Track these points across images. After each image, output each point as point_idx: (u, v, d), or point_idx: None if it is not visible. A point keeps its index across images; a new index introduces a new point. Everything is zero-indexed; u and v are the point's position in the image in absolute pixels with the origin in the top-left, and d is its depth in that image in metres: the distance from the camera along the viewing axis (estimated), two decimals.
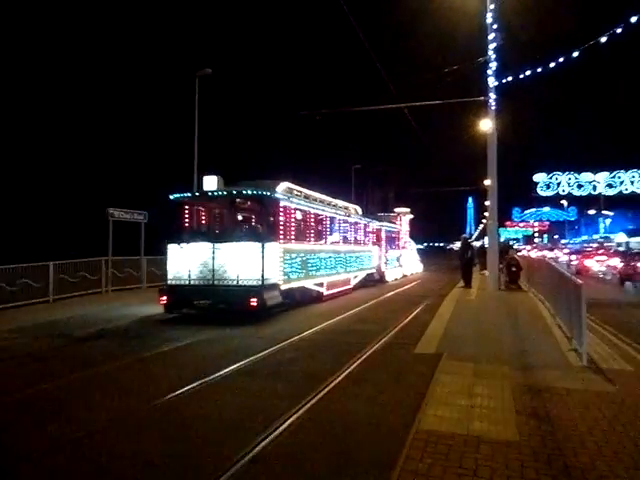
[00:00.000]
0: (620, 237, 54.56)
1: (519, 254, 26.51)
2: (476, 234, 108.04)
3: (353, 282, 18.54)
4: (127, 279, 17.56)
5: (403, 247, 27.66)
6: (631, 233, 53.71)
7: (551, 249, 56.81)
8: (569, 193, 51.14)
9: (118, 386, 6.36)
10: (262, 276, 11.39)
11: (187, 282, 11.85)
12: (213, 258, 11.65)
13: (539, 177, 50.84)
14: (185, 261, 11.93)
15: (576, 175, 50.31)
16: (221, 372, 6.84)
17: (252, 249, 11.50)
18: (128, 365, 7.54)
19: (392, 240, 25.65)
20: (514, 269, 17.67)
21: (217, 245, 11.72)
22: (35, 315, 11.95)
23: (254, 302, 11.00)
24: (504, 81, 16.96)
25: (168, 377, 6.72)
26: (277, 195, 12.62)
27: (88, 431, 4.76)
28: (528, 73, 15.92)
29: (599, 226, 68.10)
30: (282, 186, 13.40)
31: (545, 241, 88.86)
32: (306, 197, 15.02)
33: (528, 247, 75.48)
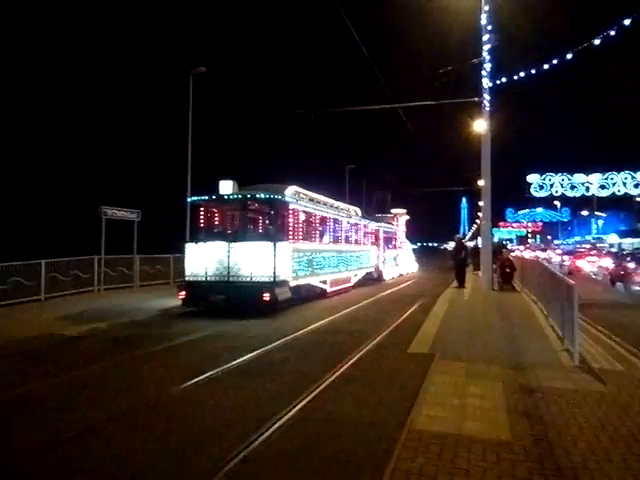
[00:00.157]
0: (612, 238, 55.01)
1: (512, 254, 26.60)
2: (470, 234, 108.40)
3: (353, 280, 19.32)
4: (119, 277, 17.46)
5: (400, 247, 28.32)
6: (623, 234, 54.15)
7: (544, 250, 57.12)
8: (562, 194, 51.27)
9: (119, 385, 6.34)
10: (274, 273, 12.23)
11: (204, 279, 12.65)
12: (228, 256, 12.46)
13: (532, 178, 50.95)
14: (202, 259, 12.73)
15: (569, 176, 50.47)
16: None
17: (264, 248, 12.35)
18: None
19: (389, 240, 26.36)
20: (508, 270, 17.67)
21: (232, 244, 12.53)
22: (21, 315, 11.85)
23: (267, 297, 11.86)
24: (498, 82, 17.03)
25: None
26: (287, 198, 13.50)
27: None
28: (522, 74, 15.99)
29: (592, 227, 68.55)
30: (290, 189, 14.18)
31: (538, 242, 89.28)
32: (311, 200, 15.74)
33: (521, 247, 75.82)
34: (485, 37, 16.51)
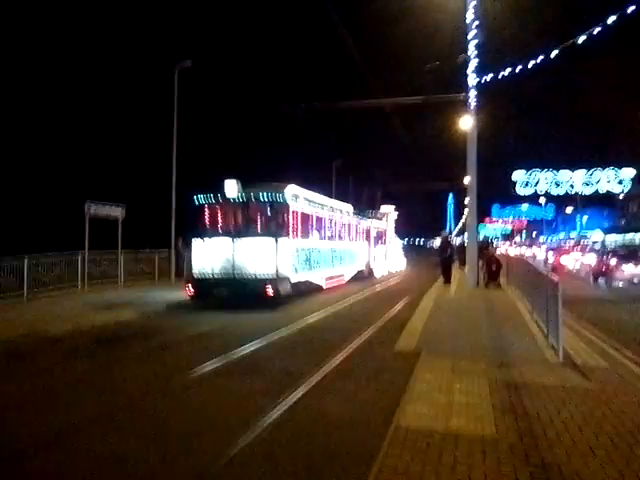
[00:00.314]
0: (596, 235, 55.72)
1: (498, 251, 26.82)
2: (456, 231, 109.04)
3: (347, 276, 20.07)
4: (104, 275, 17.25)
5: (389, 244, 28.83)
6: (607, 231, 54.90)
7: (529, 246, 57.67)
8: (547, 191, 51.79)
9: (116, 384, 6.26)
10: (276, 269, 12.96)
11: (210, 275, 13.25)
12: (233, 253, 13.11)
13: (518, 175, 51.33)
14: (208, 256, 13.37)
15: (554, 173, 50.98)
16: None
17: (267, 245, 13.09)
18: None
19: (379, 237, 26.88)
20: (494, 267, 17.71)
21: (236, 242, 13.19)
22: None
23: (270, 291, 12.62)
24: (484, 79, 17.07)
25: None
26: (287, 197, 14.14)
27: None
28: (508, 71, 16.04)
29: (576, 224, 69.33)
30: (289, 188, 14.76)
31: (524, 238, 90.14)
32: (307, 199, 16.32)
33: (507, 244, 76.52)
34: (471, 34, 16.55)
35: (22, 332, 9.15)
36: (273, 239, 13.13)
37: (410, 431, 4.34)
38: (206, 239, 13.59)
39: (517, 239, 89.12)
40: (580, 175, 50.10)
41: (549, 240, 70.48)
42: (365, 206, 30.39)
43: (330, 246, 17.94)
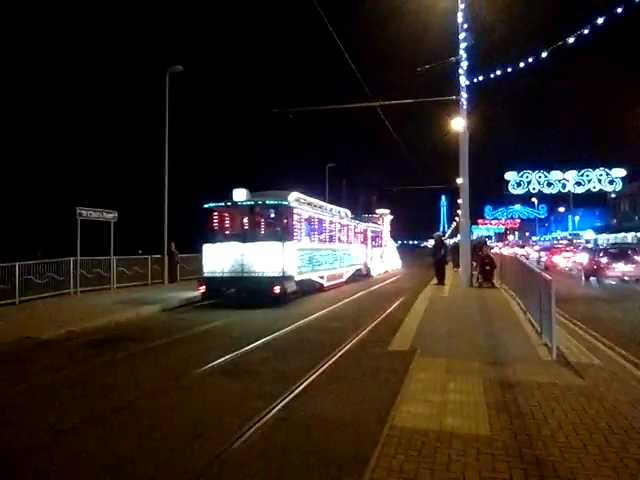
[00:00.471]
0: (588, 234, 56.09)
1: (491, 251, 26.91)
2: (449, 232, 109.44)
3: (346, 276, 21.09)
4: (96, 280, 17.15)
5: (385, 245, 29.88)
6: (599, 230, 55.27)
7: (522, 246, 57.88)
8: (539, 191, 52.10)
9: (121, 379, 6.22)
10: (283, 269, 13.86)
11: (221, 275, 14.07)
12: (242, 255, 13.97)
13: (510, 175, 51.66)
14: (218, 258, 14.24)
15: (546, 173, 51.31)
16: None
17: (274, 247, 14.00)
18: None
19: (376, 239, 27.99)
20: (487, 267, 17.74)
21: (246, 244, 14.07)
22: None
23: (277, 290, 13.52)
24: (475, 80, 17.16)
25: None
26: (291, 204, 15.26)
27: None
28: (499, 72, 16.13)
29: (568, 223, 69.72)
30: (293, 195, 16.17)
31: (516, 238, 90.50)
32: (309, 204, 17.61)
33: (500, 244, 76.76)
34: (462, 35, 16.63)
35: (14, 337, 9.08)
36: (280, 242, 14.05)
37: (405, 430, 4.33)
38: (217, 242, 14.53)
39: (510, 238, 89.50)
40: (572, 175, 50.47)
41: (542, 240, 70.81)
42: (361, 209, 30.96)
43: (330, 247, 18.98)
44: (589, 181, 50.03)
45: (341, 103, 21.76)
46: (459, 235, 22.17)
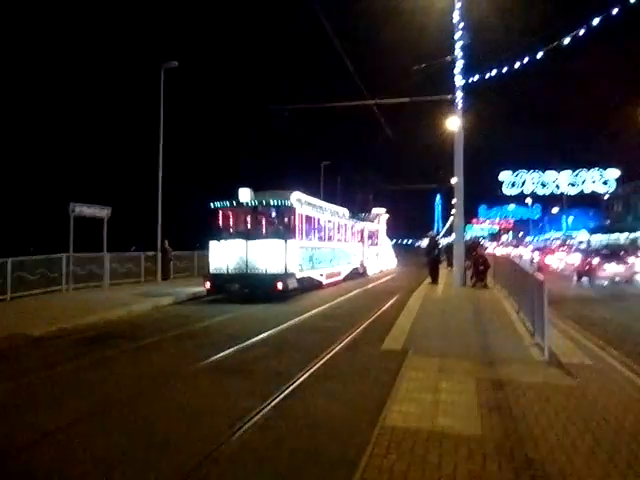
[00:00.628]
0: (582, 235, 56.31)
1: (485, 251, 27.05)
2: (443, 231, 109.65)
3: (343, 274, 21.54)
4: (89, 276, 17.04)
5: (381, 244, 30.21)
6: (592, 231, 55.49)
7: (516, 246, 58.12)
8: (533, 191, 52.33)
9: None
10: (285, 266, 14.37)
11: (226, 271, 14.59)
12: (246, 252, 14.42)
13: (505, 176, 51.84)
14: (224, 255, 14.72)
15: (540, 173, 51.53)
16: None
17: (277, 245, 14.46)
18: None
19: (372, 238, 28.28)
20: (481, 267, 17.76)
21: (249, 242, 14.49)
22: None
23: (280, 286, 14.04)
24: (471, 80, 17.15)
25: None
26: (293, 203, 15.78)
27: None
28: (494, 72, 16.12)
29: (562, 224, 70.01)
30: (295, 194, 16.76)
31: (510, 238, 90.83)
32: (309, 203, 18.05)
33: (494, 244, 77.06)
34: (457, 35, 16.62)
35: (5, 333, 9.00)
36: (282, 240, 14.51)
37: (396, 430, 4.33)
38: (222, 240, 14.97)
39: (504, 238, 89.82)
40: (566, 176, 50.71)
41: (535, 240, 71.08)
42: (358, 208, 31.12)
43: (329, 246, 19.47)
44: (583, 182, 50.29)
45: (337, 101, 21.73)
46: (453, 235, 22.21)
